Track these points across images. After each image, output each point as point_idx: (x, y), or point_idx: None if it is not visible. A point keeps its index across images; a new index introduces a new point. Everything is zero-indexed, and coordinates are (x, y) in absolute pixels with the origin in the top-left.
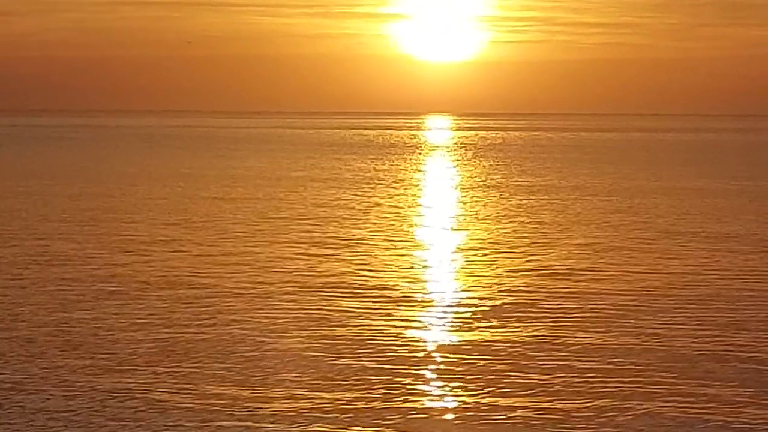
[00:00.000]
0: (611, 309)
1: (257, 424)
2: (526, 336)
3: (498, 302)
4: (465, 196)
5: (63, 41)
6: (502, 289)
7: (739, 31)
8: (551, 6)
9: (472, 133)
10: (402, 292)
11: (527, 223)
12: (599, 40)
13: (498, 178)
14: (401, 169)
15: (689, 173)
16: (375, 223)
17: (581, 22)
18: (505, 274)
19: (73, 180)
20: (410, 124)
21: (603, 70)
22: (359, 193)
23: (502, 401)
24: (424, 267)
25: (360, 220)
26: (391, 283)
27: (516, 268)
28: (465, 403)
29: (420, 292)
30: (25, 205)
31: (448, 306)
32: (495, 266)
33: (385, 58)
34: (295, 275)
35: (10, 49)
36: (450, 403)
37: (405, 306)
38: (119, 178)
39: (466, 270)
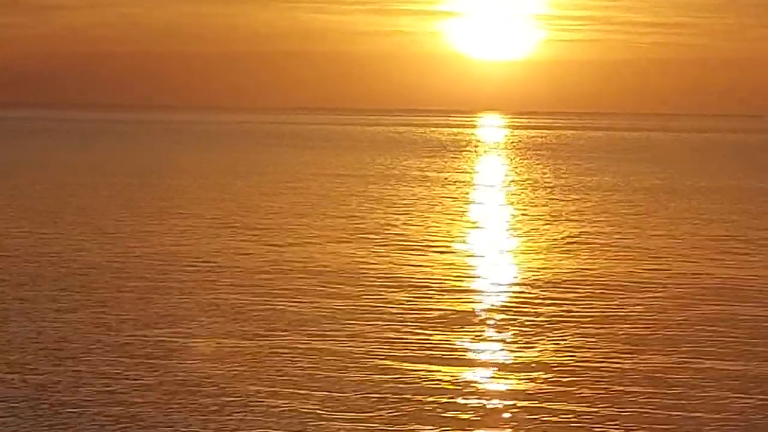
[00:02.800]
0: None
1: None
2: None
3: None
4: (522, 196)
5: (115, 37)
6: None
7: None
8: (606, 5)
9: (526, 131)
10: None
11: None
12: (654, 40)
13: (555, 178)
14: (456, 168)
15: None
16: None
17: (636, 21)
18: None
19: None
20: (463, 122)
21: (657, 70)
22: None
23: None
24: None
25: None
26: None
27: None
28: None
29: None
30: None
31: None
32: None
33: (439, 55)
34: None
35: (62, 44)
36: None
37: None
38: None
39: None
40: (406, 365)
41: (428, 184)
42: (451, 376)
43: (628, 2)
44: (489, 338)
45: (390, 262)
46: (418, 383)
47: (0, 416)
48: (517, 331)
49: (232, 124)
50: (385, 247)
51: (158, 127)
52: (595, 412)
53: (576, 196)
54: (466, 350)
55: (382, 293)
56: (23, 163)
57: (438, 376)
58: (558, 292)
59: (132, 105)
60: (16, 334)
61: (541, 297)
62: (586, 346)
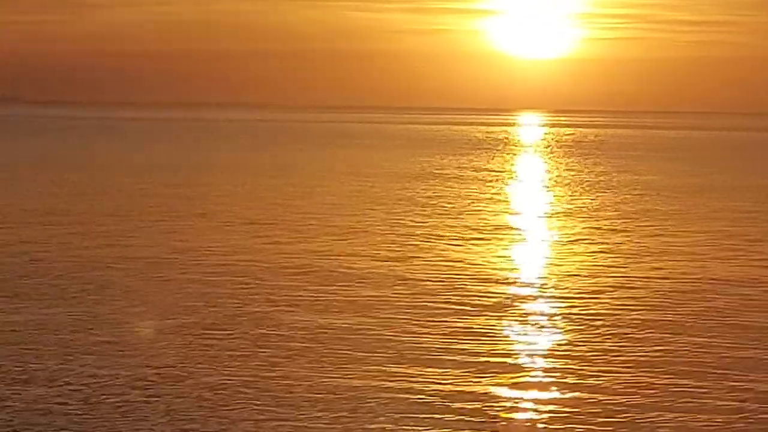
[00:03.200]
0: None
1: None
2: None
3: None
4: (557, 193)
5: (153, 35)
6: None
7: None
8: (648, 3)
9: (565, 129)
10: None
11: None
12: (695, 38)
13: (593, 176)
14: (493, 166)
15: None
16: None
17: (677, 19)
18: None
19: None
20: (502, 121)
21: (698, 68)
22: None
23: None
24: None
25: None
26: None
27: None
28: None
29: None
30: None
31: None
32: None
33: (478, 54)
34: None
35: (99, 42)
36: None
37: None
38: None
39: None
40: (423, 363)
41: (463, 181)
42: (461, 374)
43: (670, 0)
44: (516, 333)
45: (418, 258)
46: (429, 379)
47: (20, 410)
48: (544, 324)
49: (270, 122)
50: (414, 245)
51: (196, 125)
52: (610, 400)
53: (611, 194)
54: (485, 345)
55: (409, 291)
56: (69, 158)
57: (447, 370)
58: (580, 286)
59: (170, 103)
60: (29, 326)
61: (556, 292)
62: (604, 334)
